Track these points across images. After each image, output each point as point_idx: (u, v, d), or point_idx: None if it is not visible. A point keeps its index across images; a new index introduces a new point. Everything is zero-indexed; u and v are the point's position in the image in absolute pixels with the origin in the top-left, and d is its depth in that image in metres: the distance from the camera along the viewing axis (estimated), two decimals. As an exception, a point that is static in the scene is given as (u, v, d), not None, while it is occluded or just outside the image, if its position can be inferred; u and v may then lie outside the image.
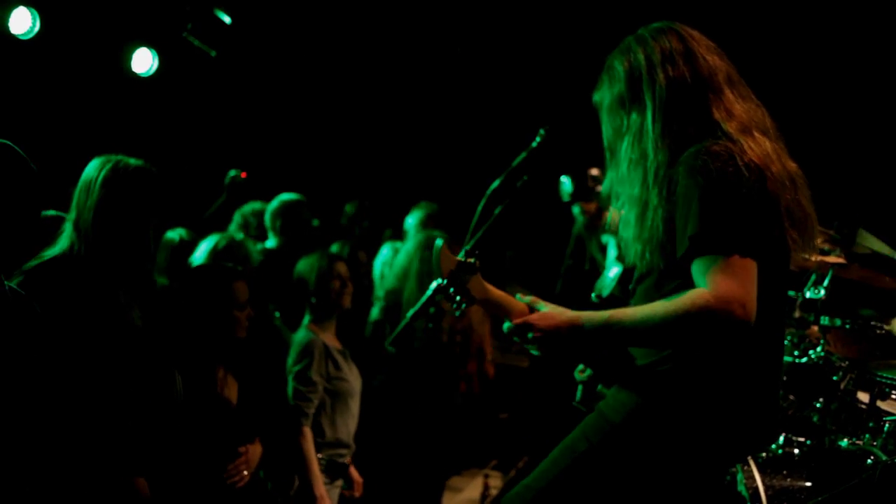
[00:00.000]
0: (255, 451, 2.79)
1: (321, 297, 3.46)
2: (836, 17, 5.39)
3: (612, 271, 3.95)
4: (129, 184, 2.65)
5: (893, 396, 3.24)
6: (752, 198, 1.83)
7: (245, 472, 2.70)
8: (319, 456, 3.27)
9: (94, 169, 2.68)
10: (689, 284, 1.87)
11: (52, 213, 3.11)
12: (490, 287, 2.08)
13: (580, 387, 2.50)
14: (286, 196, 4.44)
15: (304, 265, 3.54)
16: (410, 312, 3.34)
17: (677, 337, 1.87)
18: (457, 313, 2.09)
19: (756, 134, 1.95)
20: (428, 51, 6.72)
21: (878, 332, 3.59)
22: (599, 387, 2.49)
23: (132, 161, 2.71)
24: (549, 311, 1.99)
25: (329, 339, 3.46)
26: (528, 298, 2.09)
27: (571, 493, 2.04)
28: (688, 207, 1.85)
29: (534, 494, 2.07)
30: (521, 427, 5.96)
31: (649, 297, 2.00)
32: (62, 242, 2.66)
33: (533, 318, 1.98)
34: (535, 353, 2.04)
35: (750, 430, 2.02)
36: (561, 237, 5.61)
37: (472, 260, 2.02)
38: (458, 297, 2.02)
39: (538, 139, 2.38)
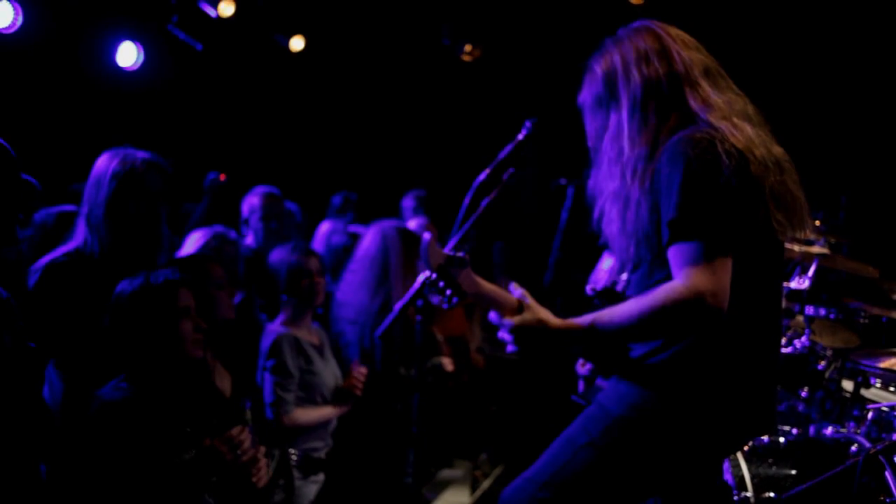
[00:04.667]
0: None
1: (292, 293, 3.44)
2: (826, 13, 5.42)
3: (606, 263, 3.95)
4: (140, 177, 2.65)
5: (877, 385, 3.28)
6: (730, 184, 1.85)
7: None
8: (292, 451, 3.27)
9: (103, 163, 2.67)
10: None
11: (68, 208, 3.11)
12: (480, 280, 2.09)
13: (582, 380, 2.51)
14: (261, 188, 4.39)
15: (276, 259, 3.51)
16: (399, 305, 3.35)
17: (657, 331, 1.93)
18: (446, 306, 2.09)
19: (736, 120, 1.97)
20: (416, 42, 6.71)
21: (862, 321, 3.63)
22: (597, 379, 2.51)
23: (140, 154, 2.70)
24: (531, 321, 2.00)
25: (303, 333, 3.44)
26: (520, 292, 2.09)
27: (573, 485, 2.05)
28: (669, 195, 1.88)
29: (535, 487, 2.08)
30: (512, 419, 5.98)
31: (643, 286, 2.04)
32: (76, 238, 2.65)
33: (514, 329, 2.00)
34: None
35: (748, 416, 2.03)
36: (550, 229, 5.62)
37: (461, 254, 2.03)
38: (447, 292, 2.02)
39: (524, 131, 2.40)
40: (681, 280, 1.83)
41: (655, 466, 2.03)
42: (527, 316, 2.01)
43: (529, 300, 2.06)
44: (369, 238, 4.00)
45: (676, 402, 1.98)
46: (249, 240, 4.27)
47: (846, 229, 3.66)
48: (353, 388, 3.47)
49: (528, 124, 2.49)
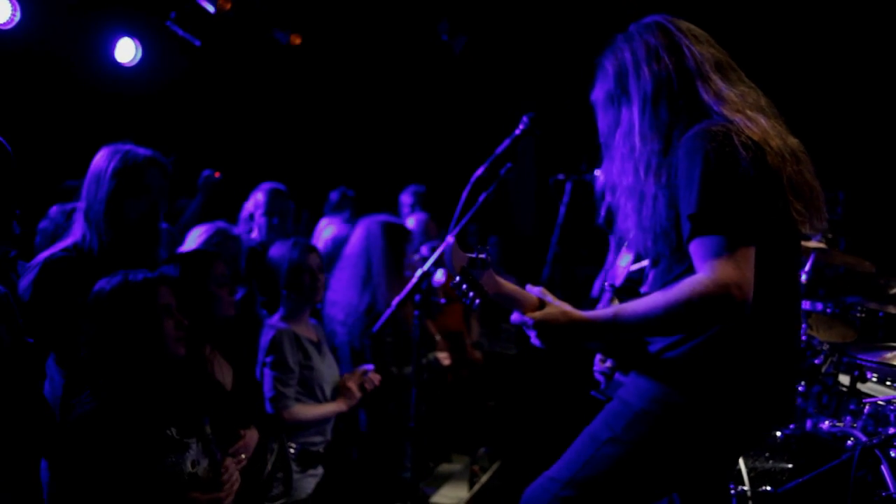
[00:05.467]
0: (252, 436, 2.81)
1: (292, 289, 3.43)
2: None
3: (623, 259, 3.94)
4: (141, 174, 2.64)
5: (873, 379, 3.30)
6: (748, 175, 1.85)
7: (243, 456, 2.71)
8: (291, 444, 3.28)
9: (103, 159, 2.65)
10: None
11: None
12: (501, 281, 2.10)
13: (602, 376, 2.51)
14: (267, 184, 4.42)
15: (276, 254, 3.50)
16: (396, 301, 3.35)
17: (681, 325, 1.93)
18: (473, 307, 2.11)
19: (750, 112, 1.97)
20: (413, 38, 6.71)
21: (859, 315, 3.65)
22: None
23: (141, 151, 2.68)
24: (555, 314, 2.02)
25: (302, 329, 3.44)
26: (539, 290, 2.10)
27: (596, 482, 2.05)
28: (688, 190, 1.89)
29: (558, 486, 2.08)
30: (509, 414, 5.99)
31: (662, 282, 2.04)
32: (74, 233, 2.65)
33: (538, 323, 2.02)
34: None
35: (769, 408, 2.03)
36: (547, 225, 5.63)
37: (483, 256, 2.05)
38: (470, 294, 2.04)
39: (521, 126, 2.40)
40: (705, 273, 1.83)
41: (678, 460, 2.02)
42: (550, 310, 2.03)
43: (551, 297, 2.08)
44: (355, 235, 3.98)
45: (698, 394, 1.97)
46: (255, 234, 4.30)
47: (844, 225, 3.67)
48: (368, 381, 3.48)
49: (525, 119, 2.50)
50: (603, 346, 2.32)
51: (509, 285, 2.11)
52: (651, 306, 1.90)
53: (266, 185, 4.39)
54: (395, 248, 3.90)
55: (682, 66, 2.03)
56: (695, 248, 1.87)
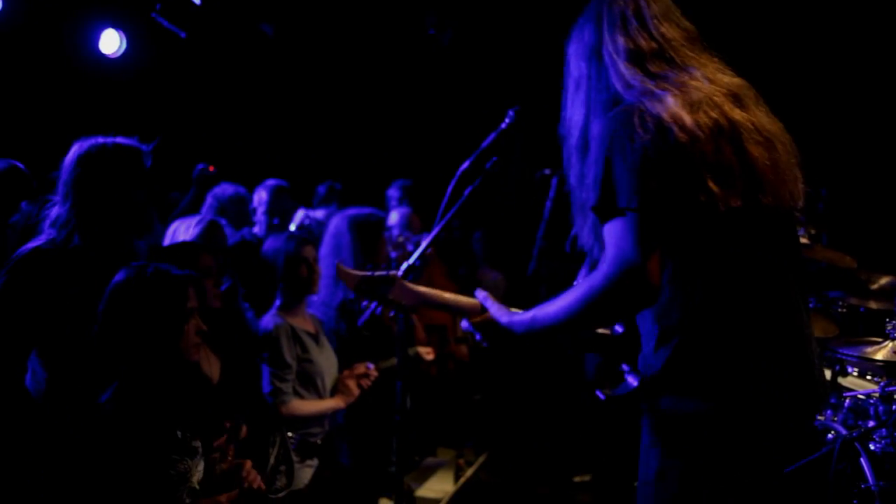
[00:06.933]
0: (241, 429, 2.79)
1: (289, 281, 3.43)
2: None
3: None
4: (122, 163, 2.59)
5: (854, 374, 3.32)
6: (646, 156, 1.77)
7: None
8: (290, 434, 3.28)
9: (81, 151, 2.60)
10: None
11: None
12: (425, 290, 2.11)
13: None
14: (272, 182, 4.43)
15: (270, 247, 3.50)
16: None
17: (588, 321, 1.92)
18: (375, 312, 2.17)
19: (658, 92, 1.87)
20: (401, 31, 6.70)
21: (840, 310, 3.68)
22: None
23: (121, 140, 2.64)
24: (488, 318, 2.08)
25: (299, 321, 3.44)
26: (483, 294, 2.14)
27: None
28: (595, 181, 1.84)
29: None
30: (495, 408, 6.02)
31: None
32: (56, 226, 2.58)
33: (476, 328, 2.10)
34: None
35: (773, 404, 1.92)
36: (533, 218, 5.65)
37: (383, 273, 2.07)
38: (373, 304, 2.08)
39: (507, 120, 2.41)
40: (603, 265, 1.78)
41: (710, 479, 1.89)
42: (486, 315, 2.09)
43: (490, 301, 2.10)
44: (327, 232, 3.96)
45: (700, 384, 1.87)
46: (256, 229, 4.31)
47: (825, 220, 3.70)
48: (367, 376, 3.49)
49: (511, 113, 2.50)
50: (584, 345, 2.33)
51: (439, 294, 2.17)
52: (560, 306, 1.88)
53: (270, 183, 4.40)
54: (364, 242, 3.86)
55: (600, 67, 2.00)
56: (605, 240, 1.82)
